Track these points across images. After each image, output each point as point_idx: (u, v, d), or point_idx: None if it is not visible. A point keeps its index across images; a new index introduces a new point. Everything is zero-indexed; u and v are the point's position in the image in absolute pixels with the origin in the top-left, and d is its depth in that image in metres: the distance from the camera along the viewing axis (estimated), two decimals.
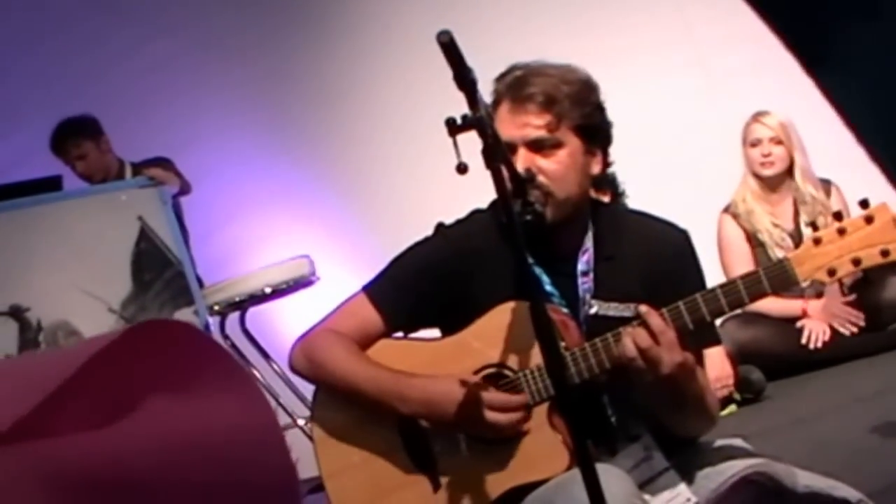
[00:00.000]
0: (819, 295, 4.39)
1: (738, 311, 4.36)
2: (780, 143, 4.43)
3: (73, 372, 1.14)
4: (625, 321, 1.96)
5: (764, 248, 4.40)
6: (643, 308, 1.88)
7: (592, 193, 3.93)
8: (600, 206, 2.17)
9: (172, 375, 1.22)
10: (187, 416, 1.21)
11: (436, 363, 2.05)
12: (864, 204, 1.84)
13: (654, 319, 1.86)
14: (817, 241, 1.85)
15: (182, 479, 1.17)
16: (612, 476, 1.77)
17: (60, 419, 1.12)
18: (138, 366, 1.20)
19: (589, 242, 2.08)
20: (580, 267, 2.06)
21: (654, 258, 2.06)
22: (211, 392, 1.24)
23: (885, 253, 1.82)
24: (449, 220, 2.20)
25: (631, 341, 1.86)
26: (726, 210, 4.55)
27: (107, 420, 1.15)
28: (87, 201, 3.96)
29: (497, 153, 1.69)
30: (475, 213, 2.18)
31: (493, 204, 2.14)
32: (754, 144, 4.47)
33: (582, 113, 2.03)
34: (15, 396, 1.11)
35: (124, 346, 1.19)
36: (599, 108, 2.07)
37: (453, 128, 1.67)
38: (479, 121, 1.65)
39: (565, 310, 2.03)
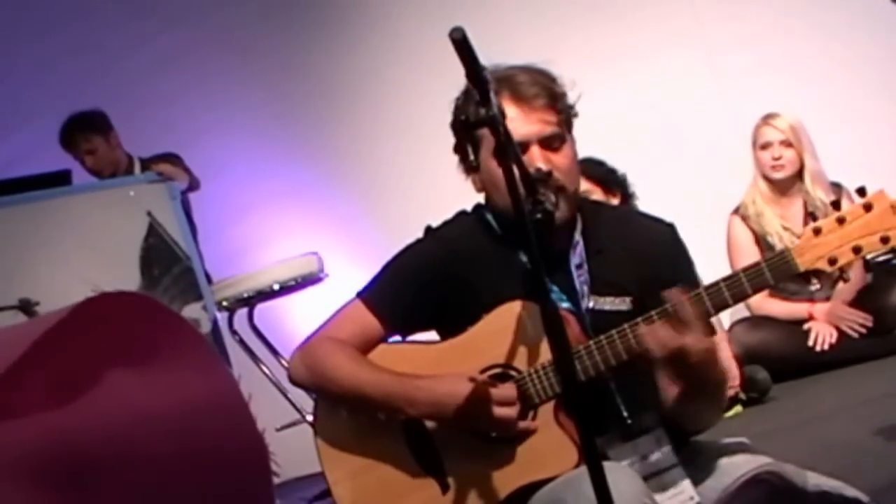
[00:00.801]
0: (827, 298, 4.39)
1: (747, 314, 4.41)
2: (790, 145, 4.41)
3: (25, 350, 1.11)
4: (621, 314, 1.97)
5: (773, 251, 4.38)
6: (671, 297, 1.86)
7: (601, 195, 3.93)
8: (584, 202, 2.17)
9: (130, 349, 1.20)
10: (148, 389, 1.18)
11: (440, 365, 2.04)
12: (861, 192, 1.84)
13: (684, 309, 1.84)
14: (817, 232, 1.86)
15: (147, 453, 1.15)
16: (621, 474, 1.77)
17: (17, 398, 1.10)
18: (94, 340, 1.17)
19: (578, 236, 2.08)
20: (574, 261, 2.06)
21: (645, 253, 2.07)
22: (171, 364, 1.21)
23: (885, 239, 1.82)
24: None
25: (655, 336, 1.85)
26: (736, 211, 4.54)
27: (65, 398, 1.13)
28: (97, 196, 3.95)
29: (509, 152, 1.68)
30: (461, 215, 2.18)
31: (478, 206, 2.15)
32: (764, 147, 4.46)
33: (570, 108, 2.07)
34: None
35: (78, 321, 1.17)
36: None
37: (466, 125, 1.67)
38: (492, 119, 1.63)
39: (566, 305, 2.03)
